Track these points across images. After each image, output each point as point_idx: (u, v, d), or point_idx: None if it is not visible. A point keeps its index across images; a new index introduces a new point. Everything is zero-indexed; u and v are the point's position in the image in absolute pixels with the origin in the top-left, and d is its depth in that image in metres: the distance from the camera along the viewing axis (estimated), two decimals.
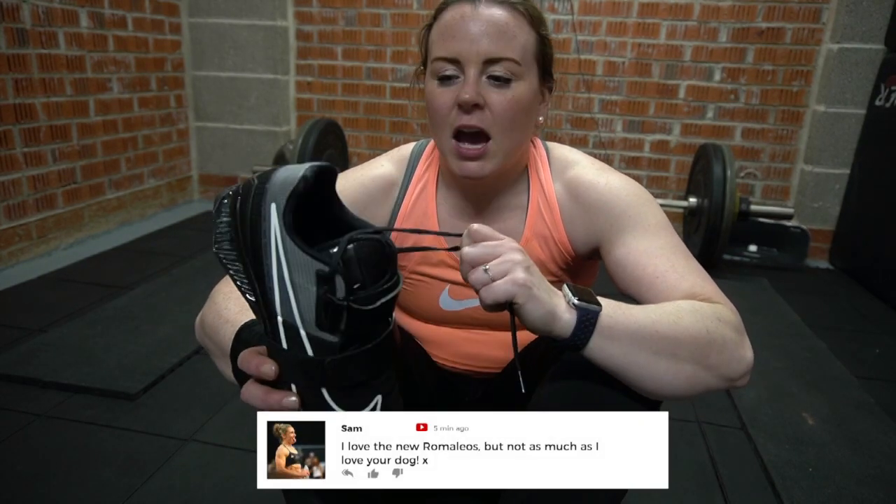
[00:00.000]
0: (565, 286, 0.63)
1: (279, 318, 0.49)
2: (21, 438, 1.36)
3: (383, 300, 0.49)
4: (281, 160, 3.10)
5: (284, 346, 0.50)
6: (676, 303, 0.69)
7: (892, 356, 2.01)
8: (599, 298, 0.62)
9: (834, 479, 1.34)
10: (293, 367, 0.51)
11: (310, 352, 0.49)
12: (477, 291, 0.59)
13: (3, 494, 1.20)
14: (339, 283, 0.46)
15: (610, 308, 0.61)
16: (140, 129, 2.96)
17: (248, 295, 0.51)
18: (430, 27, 0.83)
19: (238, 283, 0.51)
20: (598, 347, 0.60)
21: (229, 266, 0.51)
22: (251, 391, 0.55)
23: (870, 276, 2.64)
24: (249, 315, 0.70)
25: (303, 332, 0.48)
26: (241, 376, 0.67)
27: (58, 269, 2.36)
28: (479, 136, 0.78)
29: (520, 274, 0.58)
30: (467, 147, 0.78)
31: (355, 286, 0.47)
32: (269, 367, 0.52)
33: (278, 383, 0.53)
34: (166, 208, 3.22)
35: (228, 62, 3.22)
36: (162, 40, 3.06)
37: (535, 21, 0.79)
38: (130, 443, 1.36)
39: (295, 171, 0.48)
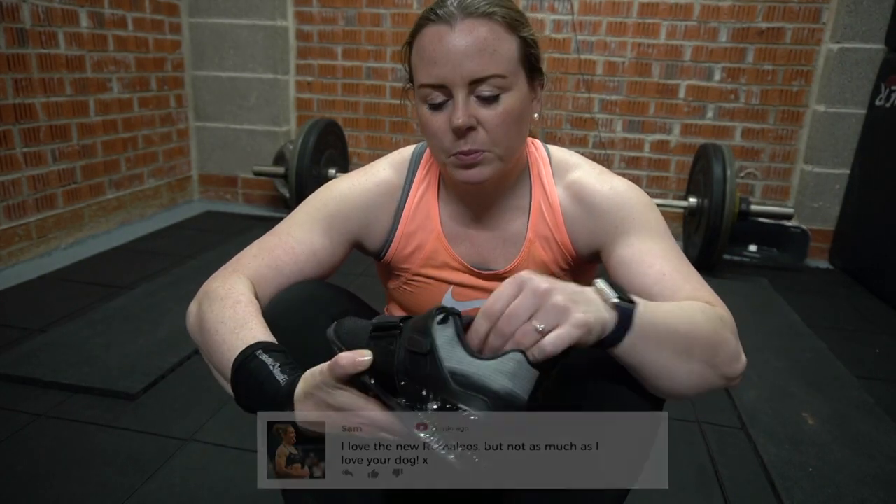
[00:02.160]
0: (600, 283, 0.61)
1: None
2: (21, 438, 1.36)
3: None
4: (281, 160, 3.11)
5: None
6: (688, 302, 0.70)
7: (892, 356, 2.01)
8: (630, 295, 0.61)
9: (834, 479, 1.34)
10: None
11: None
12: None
13: (3, 494, 1.20)
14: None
15: (642, 305, 0.61)
16: (140, 129, 2.96)
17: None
18: (410, 44, 0.81)
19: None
20: (630, 345, 0.59)
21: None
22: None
23: (870, 276, 2.64)
24: (247, 332, 0.68)
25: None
26: (237, 388, 0.66)
27: (58, 269, 2.36)
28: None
29: (577, 314, 0.55)
30: (463, 157, 0.77)
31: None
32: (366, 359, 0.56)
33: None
34: (166, 208, 3.22)
35: (228, 62, 3.22)
36: (162, 40, 3.06)
37: (515, 25, 0.77)
38: (130, 443, 1.36)
39: (520, 393, 0.54)
